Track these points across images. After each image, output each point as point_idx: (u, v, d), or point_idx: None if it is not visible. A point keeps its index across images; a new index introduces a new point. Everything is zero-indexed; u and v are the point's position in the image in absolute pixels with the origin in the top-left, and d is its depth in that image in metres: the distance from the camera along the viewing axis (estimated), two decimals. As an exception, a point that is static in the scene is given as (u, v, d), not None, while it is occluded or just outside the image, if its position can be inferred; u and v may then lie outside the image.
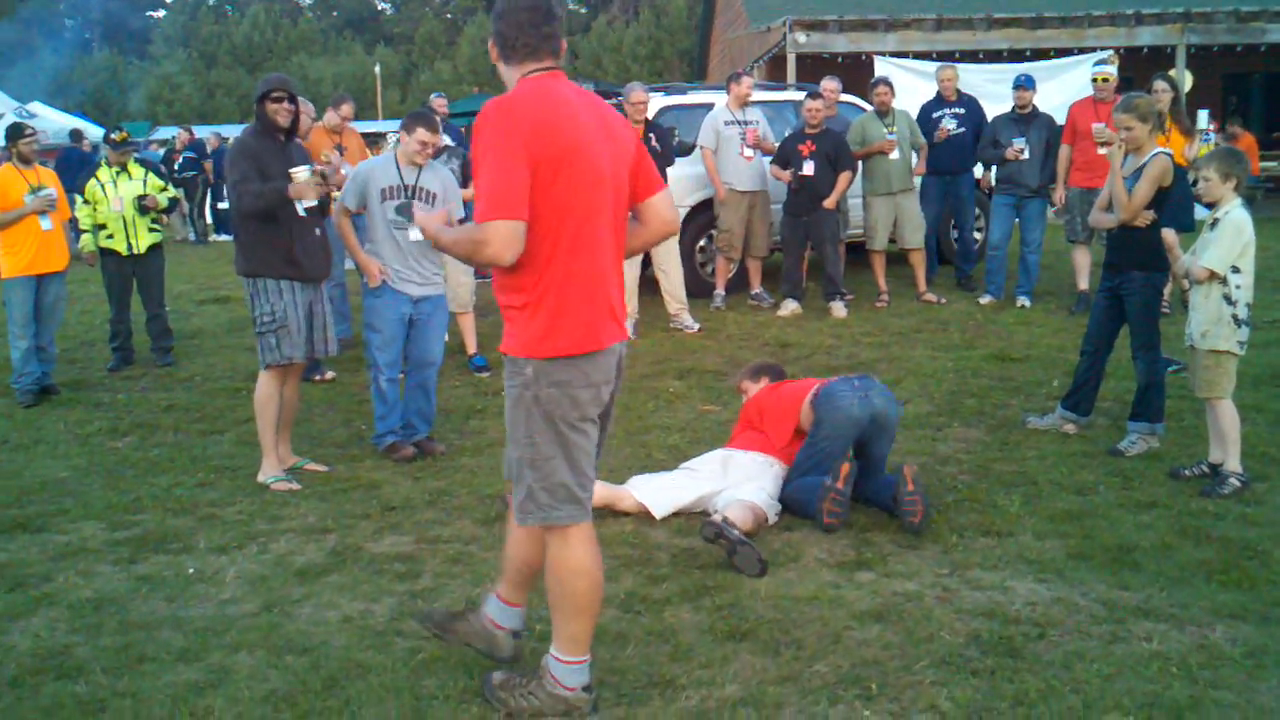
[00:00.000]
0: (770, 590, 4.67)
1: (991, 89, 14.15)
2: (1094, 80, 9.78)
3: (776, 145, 10.45)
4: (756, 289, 10.79)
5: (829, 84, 10.95)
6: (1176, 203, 9.23)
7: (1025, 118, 10.13)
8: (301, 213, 6.10)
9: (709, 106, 10.84)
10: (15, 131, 8.36)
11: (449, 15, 68.65)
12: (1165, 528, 5.25)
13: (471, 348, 8.86)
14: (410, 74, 59.06)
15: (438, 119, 7.25)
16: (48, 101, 27.40)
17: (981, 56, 16.62)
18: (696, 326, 9.80)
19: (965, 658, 4.02)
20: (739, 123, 10.39)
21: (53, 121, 24.81)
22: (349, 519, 5.69)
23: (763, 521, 5.34)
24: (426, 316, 6.75)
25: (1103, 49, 16.57)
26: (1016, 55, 16.85)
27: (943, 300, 10.59)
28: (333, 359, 7.70)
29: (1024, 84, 10.09)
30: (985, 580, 4.71)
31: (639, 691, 3.83)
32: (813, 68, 16.76)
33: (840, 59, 16.43)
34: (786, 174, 10.04)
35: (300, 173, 6.03)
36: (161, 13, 70.10)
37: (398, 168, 6.64)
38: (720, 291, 10.73)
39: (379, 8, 74.13)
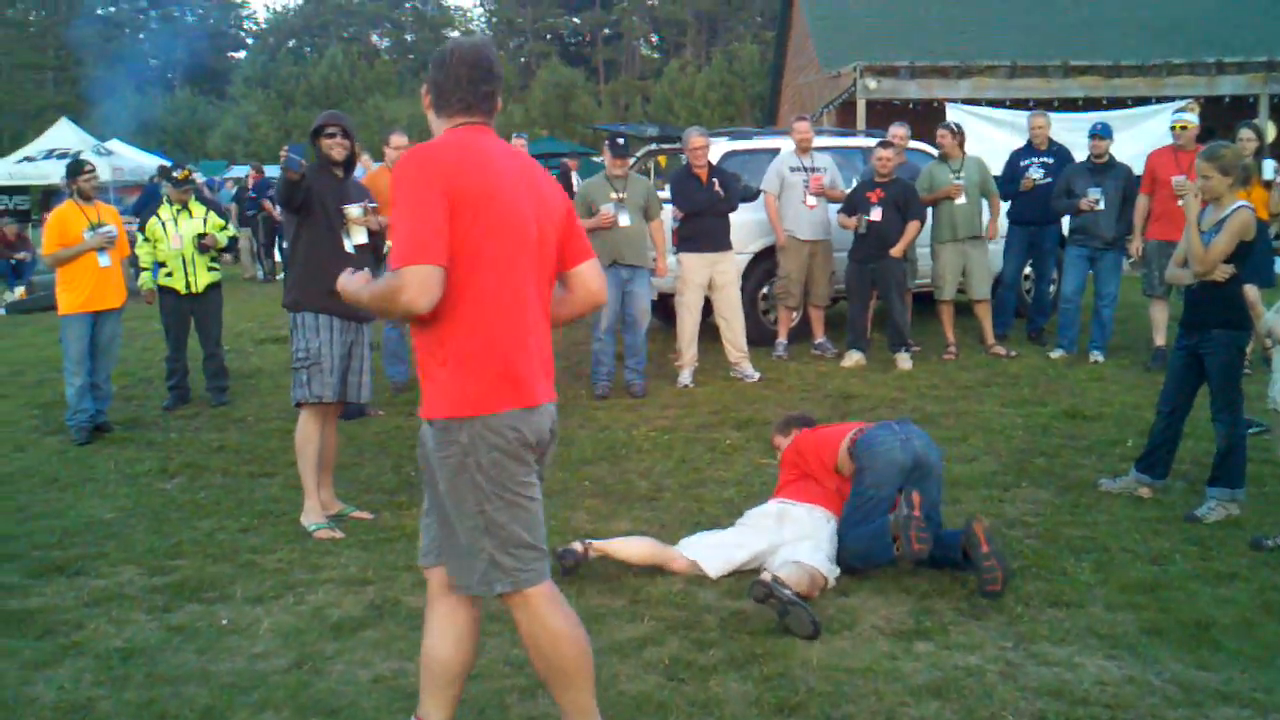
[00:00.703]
0: (823, 660, 4.44)
1: (1067, 138, 13.82)
2: (1173, 128, 9.49)
3: (845, 193, 10.24)
4: (820, 339, 10.56)
5: (897, 130, 10.73)
6: (1259, 257, 8.95)
7: (1101, 167, 9.82)
8: (350, 249, 6.01)
9: (775, 152, 10.66)
10: (76, 168, 8.38)
11: (523, 59, 69.36)
12: (1247, 602, 4.94)
13: None
14: (484, 116, 59.53)
15: None
16: (127, 140, 27.80)
17: (1056, 105, 16.27)
18: (757, 376, 9.58)
19: (1029, 743, 3.76)
20: (804, 169, 10.20)
21: (129, 159, 25.15)
22: (390, 570, 5.53)
23: (820, 585, 5.09)
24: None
25: (1182, 98, 16.21)
26: (1092, 104, 16.50)
27: (1012, 354, 10.28)
28: (386, 401, 7.57)
29: (1100, 133, 9.80)
30: (1052, 655, 4.44)
31: (677, 769, 3.62)
32: (883, 114, 16.56)
33: (911, 105, 16.21)
34: (854, 220, 9.82)
35: (353, 209, 5.97)
36: (242, 54, 71.50)
37: None
38: (782, 340, 10.50)
39: (455, 51, 74.92)
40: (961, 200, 10.14)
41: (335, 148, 6.19)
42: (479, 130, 3.35)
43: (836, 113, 18.49)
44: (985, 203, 10.34)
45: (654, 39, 74.74)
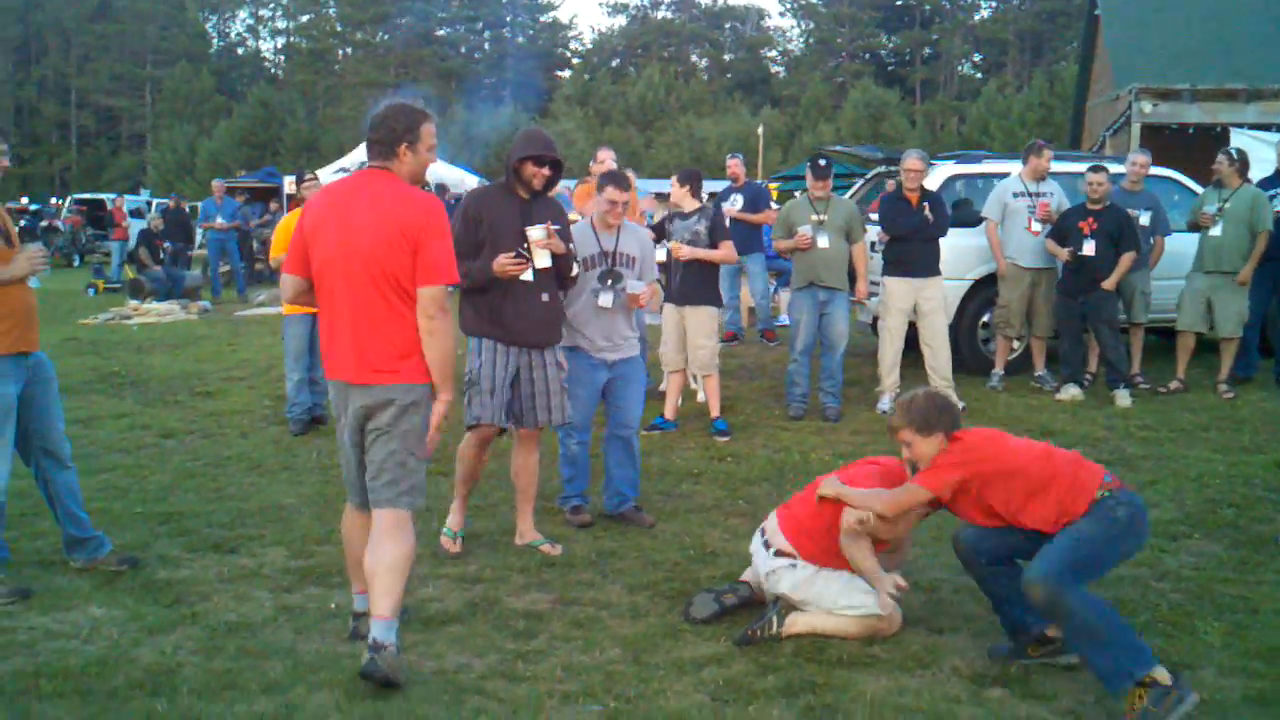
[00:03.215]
0: (881, 696, 4.33)
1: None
2: None
3: (1067, 219, 9.80)
4: (1040, 370, 10.13)
5: (1139, 158, 10.17)
6: None
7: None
8: (527, 276, 5.74)
9: (1002, 176, 10.32)
10: (299, 178, 9.05)
11: (840, 79, 69.13)
12: None
13: (714, 410, 8.71)
14: (794, 135, 59.74)
15: (629, 176, 6.98)
16: (444, 157, 29.36)
17: (1358, 130, 15.01)
18: (962, 406, 9.28)
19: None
20: (1030, 194, 9.83)
21: (436, 171, 26.67)
22: (506, 571, 5.73)
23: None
24: (625, 379, 6.61)
25: None
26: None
27: (1229, 394, 9.54)
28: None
29: (1356, 161, 8.99)
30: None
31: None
32: (1167, 139, 15.71)
33: (1191, 130, 15.27)
34: (1064, 251, 9.39)
35: (534, 231, 5.69)
36: (567, 73, 74.35)
37: (595, 234, 6.49)
38: (998, 371, 10.13)
39: (772, 70, 75.58)
40: (1216, 231, 9.49)
41: (539, 178, 5.78)
42: (366, 173, 4.51)
43: (1113, 139, 17.63)
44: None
45: (975, 58, 72.97)
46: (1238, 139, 14.58)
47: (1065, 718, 4.18)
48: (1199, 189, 10.50)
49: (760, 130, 36.22)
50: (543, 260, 5.76)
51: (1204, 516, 6.62)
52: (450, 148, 35.91)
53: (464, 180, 25.63)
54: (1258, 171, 11.17)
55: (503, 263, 5.64)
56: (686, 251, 8.30)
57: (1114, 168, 9.99)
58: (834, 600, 4.90)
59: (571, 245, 6.01)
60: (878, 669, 4.60)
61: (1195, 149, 10.51)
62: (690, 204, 8.51)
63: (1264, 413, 9.11)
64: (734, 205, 12.23)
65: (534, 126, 6.70)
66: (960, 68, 72.42)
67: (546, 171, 5.80)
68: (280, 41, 77.43)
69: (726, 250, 8.49)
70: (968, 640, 4.89)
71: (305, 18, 73.15)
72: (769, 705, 4.24)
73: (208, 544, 6.10)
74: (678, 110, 63.29)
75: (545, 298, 5.88)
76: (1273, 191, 9.87)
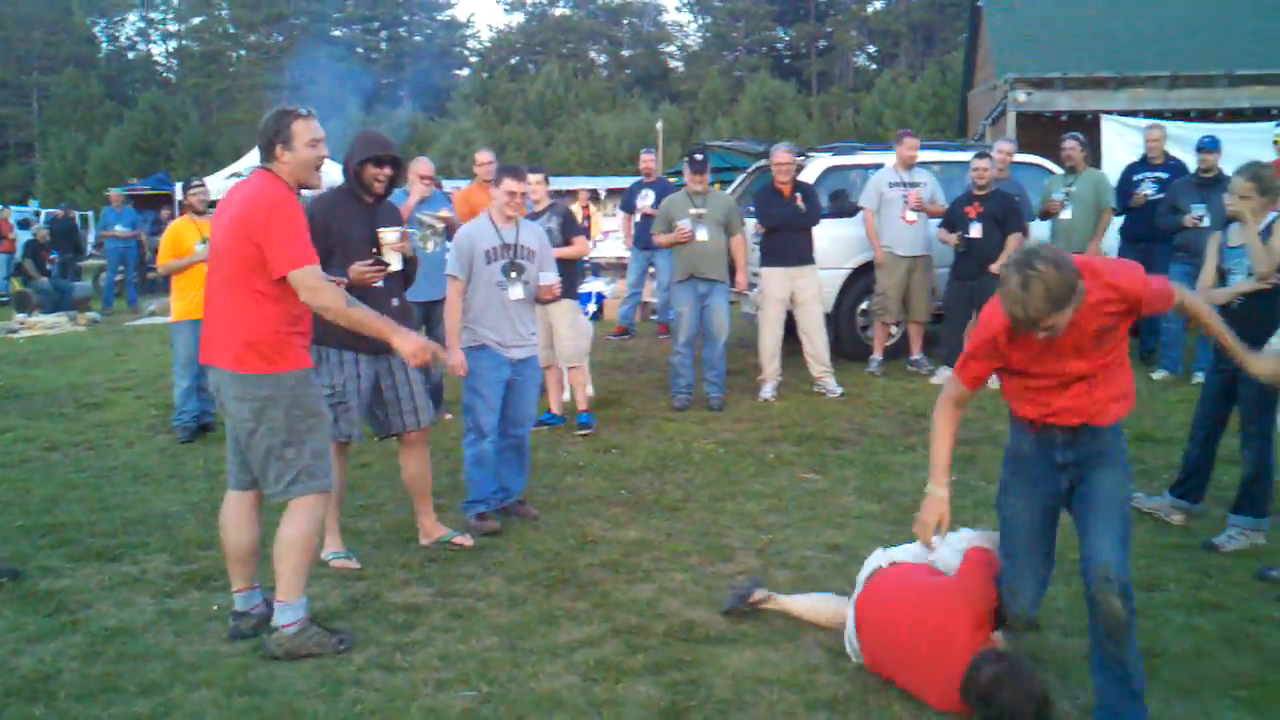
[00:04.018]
0: (743, 668, 4.54)
1: (1232, 150, 13.23)
2: (1275, 142, 9.07)
3: (945, 208, 10.14)
4: (916, 355, 10.48)
5: (1004, 146, 10.55)
6: None
7: (1208, 182, 9.41)
8: (380, 283, 5.74)
9: (878, 167, 10.63)
10: (185, 185, 9.09)
11: (737, 73, 69.66)
12: (1213, 632, 4.80)
13: (580, 404, 8.80)
14: (692, 129, 60.12)
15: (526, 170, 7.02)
16: (335, 158, 29.13)
17: (1220, 116, 15.59)
18: (839, 391, 9.59)
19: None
20: (903, 184, 10.15)
21: (329, 175, 26.50)
22: (388, 567, 5.85)
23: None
24: (525, 378, 6.62)
25: (1361, 107, 15.32)
26: (1262, 114, 15.69)
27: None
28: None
29: (1208, 146, 9.42)
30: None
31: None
32: (1045, 126, 16.19)
33: (1064, 117, 15.75)
34: (953, 237, 9.73)
35: (389, 234, 5.73)
36: (466, 71, 74.05)
37: (495, 227, 6.51)
38: (877, 356, 10.45)
39: (670, 65, 75.89)
40: (1066, 215, 9.91)
41: (382, 178, 5.78)
42: (252, 175, 4.83)
43: (995, 127, 18.12)
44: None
45: (869, 50, 73.94)
46: (1108, 125, 15.12)
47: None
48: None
49: (660, 126, 36.49)
50: (396, 263, 5.81)
51: (1063, 488, 6.93)
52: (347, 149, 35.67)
53: (321, 182, 25.38)
54: (1127, 156, 11.61)
55: (360, 270, 5.61)
56: None
57: (1022, 156, 10.38)
58: None
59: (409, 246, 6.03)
60: (743, 644, 4.80)
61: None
62: (543, 201, 8.44)
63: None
64: (645, 201, 12.42)
65: (368, 128, 6.64)
66: (855, 59, 73.32)
67: (388, 171, 5.79)
68: (172, 45, 76.09)
69: (579, 246, 8.51)
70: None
71: (197, 20, 71.90)
72: (636, 682, 4.43)
73: (91, 553, 6.12)
74: (577, 107, 63.30)
75: (396, 302, 5.86)
76: (1139, 176, 10.27)
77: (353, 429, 5.82)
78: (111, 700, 4.31)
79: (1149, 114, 15.50)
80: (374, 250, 5.73)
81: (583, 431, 8.62)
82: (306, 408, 4.72)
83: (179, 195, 24.45)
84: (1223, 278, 5.97)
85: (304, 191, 4.91)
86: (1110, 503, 3.95)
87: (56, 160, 57.64)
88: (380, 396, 5.91)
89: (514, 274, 6.46)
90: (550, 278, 6.60)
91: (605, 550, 6.06)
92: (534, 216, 8.26)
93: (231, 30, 70.62)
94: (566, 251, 8.25)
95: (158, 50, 77.53)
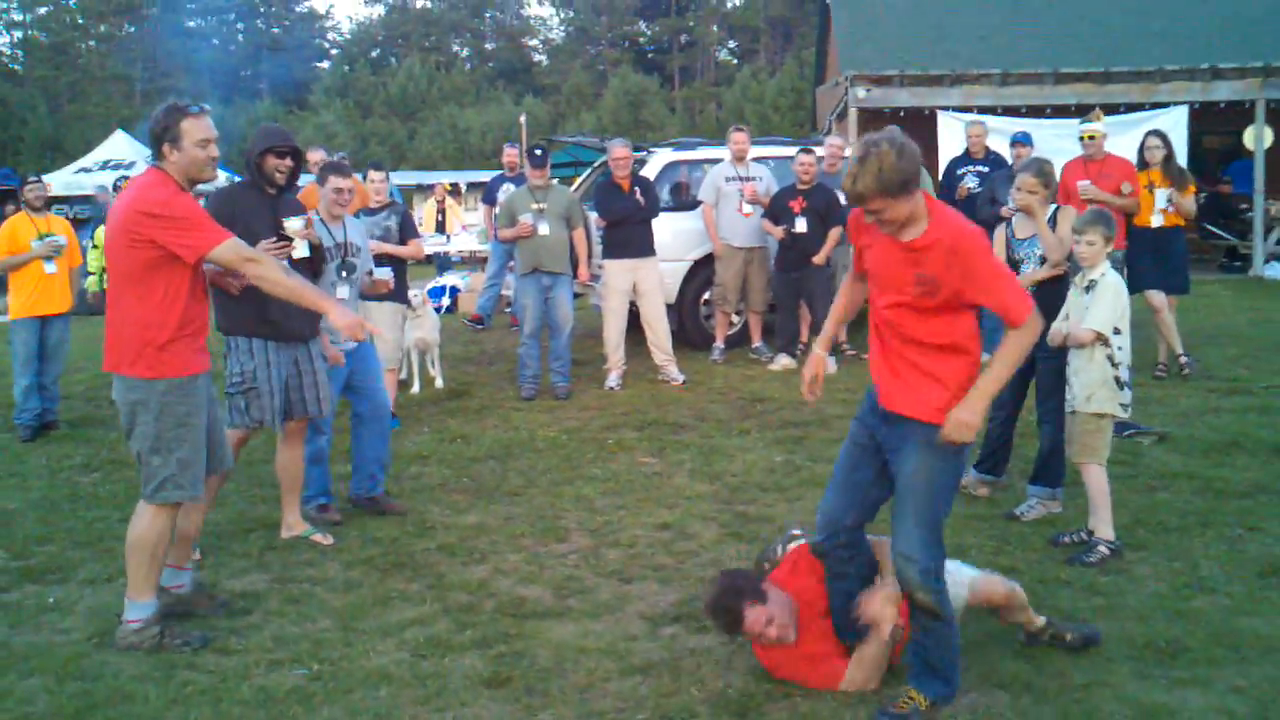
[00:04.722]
0: (567, 640, 4.79)
1: (1059, 144, 13.92)
2: (1081, 138, 9.62)
3: (774, 201, 10.55)
4: (756, 343, 10.87)
5: (834, 141, 11.00)
6: (1174, 265, 9.07)
7: (1025, 175, 9.95)
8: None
9: (716, 161, 10.99)
10: (21, 180, 9.06)
11: (601, 67, 69.97)
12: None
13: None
14: (556, 124, 60.26)
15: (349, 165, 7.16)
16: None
17: (1049, 112, 16.35)
18: (682, 379, 9.92)
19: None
20: (739, 178, 10.52)
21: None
22: (229, 556, 5.98)
23: None
24: (366, 366, 6.66)
25: (1176, 104, 16.17)
26: (1085, 110, 16.46)
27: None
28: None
29: (1021, 140, 10.02)
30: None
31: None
32: (886, 122, 16.73)
33: (901, 113, 16.35)
34: (779, 230, 10.11)
35: (293, 222, 5.81)
36: (326, 64, 73.05)
37: (326, 227, 6.48)
38: (719, 345, 10.83)
39: (534, 59, 75.91)
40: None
41: (282, 169, 5.77)
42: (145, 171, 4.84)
43: (839, 122, 18.71)
44: None
45: (730, 45, 74.87)
46: (944, 120, 15.76)
47: (727, 646, 4.70)
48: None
49: (523, 119, 36.50)
50: (301, 251, 5.89)
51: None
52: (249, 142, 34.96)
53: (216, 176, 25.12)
54: (961, 150, 12.09)
55: (266, 248, 5.58)
56: (373, 246, 8.39)
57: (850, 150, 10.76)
58: None
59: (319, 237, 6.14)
60: (568, 618, 5.06)
61: (908, 132, 11.27)
62: (383, 198, 8.50)
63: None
64: (507, 195, 12.54)
65: (269, 122, 6.61)
66: (717, 54, 74.17)
67: (289, 162, 5.80)
68: (18, 35, 73.56)
69: (414, 248, 8.51)
70: (655, 586, 5.40)
71: (43, 10, 69.66)
72: (463, 656, 4.65)
73: (-74, 551, 6.14)
74: (440, 100, 62.95)
75: None
76: (961, 170, 10.80)
77: (264, 414, 5.84)
78: (-58, 691, 4.39)
79: (982, 110, 16.21)
80: (277, 241, 5.77)
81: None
82: (177, 417, 4.70)
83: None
84: (1015, 267, 6.36)
85: (199, 187, 4.92)
86: (905, 492, 4.01)
87: (-107, 154, 55.47)
88: (292, 381, 5.95)
89: (344, 273, 6.55)
90: (386, 273, 6.75)
91: (443, 535, 6.27)
92: (372, 213, 8.36)
93: (80, 21, 68.59)
94: (402, 251, 8.30)
95: (2, 40, 74.91)
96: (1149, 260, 9.24)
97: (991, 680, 4.31)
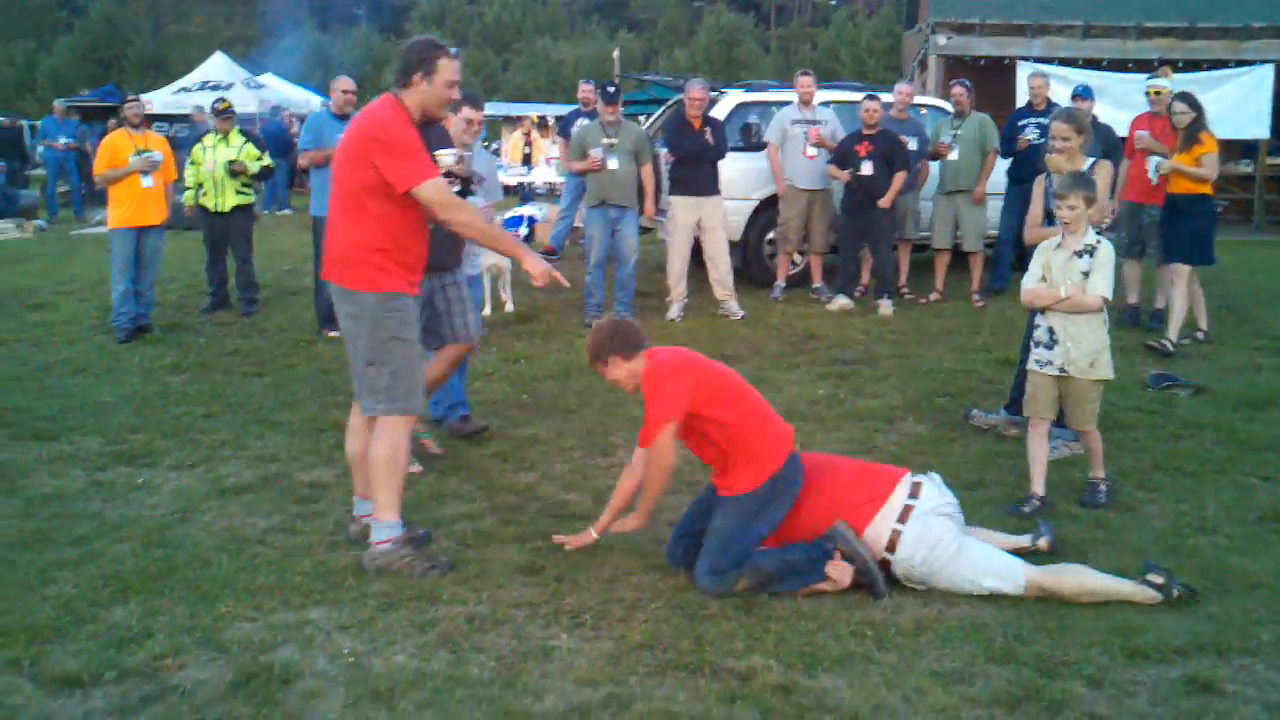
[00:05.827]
0: (602, 540, 5.21)
1: (1139, 99, 13.91)
2: (1147, 94, 9.76)
3: (839, 145, 10.81)
4: (817, 283, 11.17)
5: (903, 87, 11.21)
6: (1198, 234, 9.05)
7: (1085, 129, 10.10)
8: None
9: (785, 104, 11.26)
10: (122, 98, 9.63)
11: (696, 3, 69.63)
12: (1013, 523, 5.51)
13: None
14: (650, 60, 60.26)
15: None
16: (280, 74, 29.28)
17: (1131, 66, 16.27)
18: (741, 314, 10.27)
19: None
20: (806, 121, 10.79)
21: (278, 91, 26.71)
22: (301, 452, 6.54)
23: None
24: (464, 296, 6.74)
25: (1262, 61, 16.03)
26: (1168, 64, 16.40)
27: (981, 304, 10.79)
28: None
29: (1081, 94, 10.08)
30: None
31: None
32: (968, 70, 16.80)
33: (981, 62, 16.41)
34: (844, 174, 10.39)
35: (446, 156, 5.81)
36: (424, -9, 73.49)
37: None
38: (779, 283, 11.17)
39: (630, -8, 75.66)
40: (953, 156, 10.62)
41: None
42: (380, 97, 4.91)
43: (921, 68, 18.77)
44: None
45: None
46: (1023, 71, 15.78)
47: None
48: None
49: (616, 54, 36.68)
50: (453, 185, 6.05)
51: (920, 403, 7.69)
52: (302, 68, 35.81)
53: (309, 101, 25.76)
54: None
55: (449, 161, 5.78)
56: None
57: (921, 98, 11.01)
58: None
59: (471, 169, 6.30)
60: (603, 521, 5.50)
61: (989, 80, 11.53)
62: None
63: (1005, 319, 10.23)
64: None
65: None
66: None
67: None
68: (123, -47, 74.93)
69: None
70: (685, 498, 5.81)
71: (149, -71, 70.91)
72: (504, 548, 5.13)
73: (29, 434, 6.77)
74: (534, 32, 63.19)
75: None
76: (1023, 121, 10.94)
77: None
78: (44, 549, 4.97)
79: (1064, 62, 16.22)
80: None
81: None
82: (389, 330, 4.79)
83: (127, 109, 24.84)
84: (1050, 218, 6.60)
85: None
86: (710, 539, 4.85)
87: (5, 68, 57.01)
88: (434, 310, 6.21)
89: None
90: (483, 202, 7.09)
91: (498, 444, 6.76)
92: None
93: (184, -62, 69.66)
94: None
95: (108, -41, 76.28)
96: (1167, 229, 9.30)
97: (979, 596, 4.68)
